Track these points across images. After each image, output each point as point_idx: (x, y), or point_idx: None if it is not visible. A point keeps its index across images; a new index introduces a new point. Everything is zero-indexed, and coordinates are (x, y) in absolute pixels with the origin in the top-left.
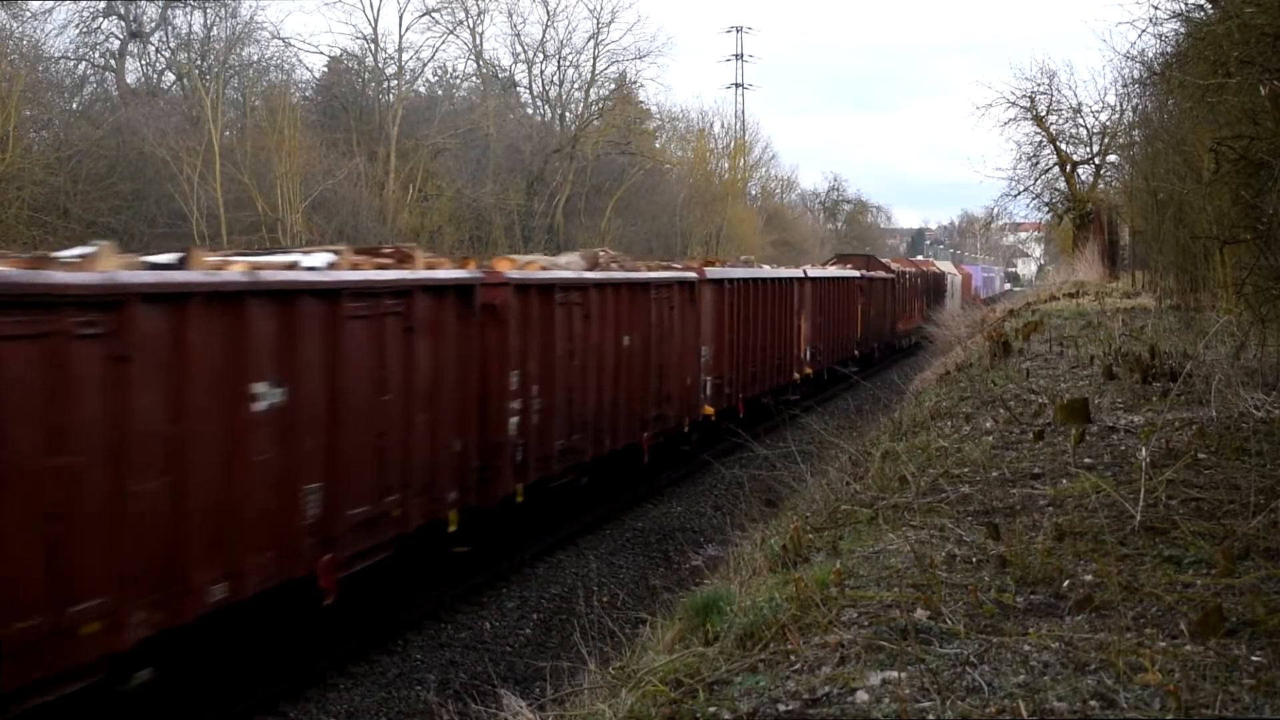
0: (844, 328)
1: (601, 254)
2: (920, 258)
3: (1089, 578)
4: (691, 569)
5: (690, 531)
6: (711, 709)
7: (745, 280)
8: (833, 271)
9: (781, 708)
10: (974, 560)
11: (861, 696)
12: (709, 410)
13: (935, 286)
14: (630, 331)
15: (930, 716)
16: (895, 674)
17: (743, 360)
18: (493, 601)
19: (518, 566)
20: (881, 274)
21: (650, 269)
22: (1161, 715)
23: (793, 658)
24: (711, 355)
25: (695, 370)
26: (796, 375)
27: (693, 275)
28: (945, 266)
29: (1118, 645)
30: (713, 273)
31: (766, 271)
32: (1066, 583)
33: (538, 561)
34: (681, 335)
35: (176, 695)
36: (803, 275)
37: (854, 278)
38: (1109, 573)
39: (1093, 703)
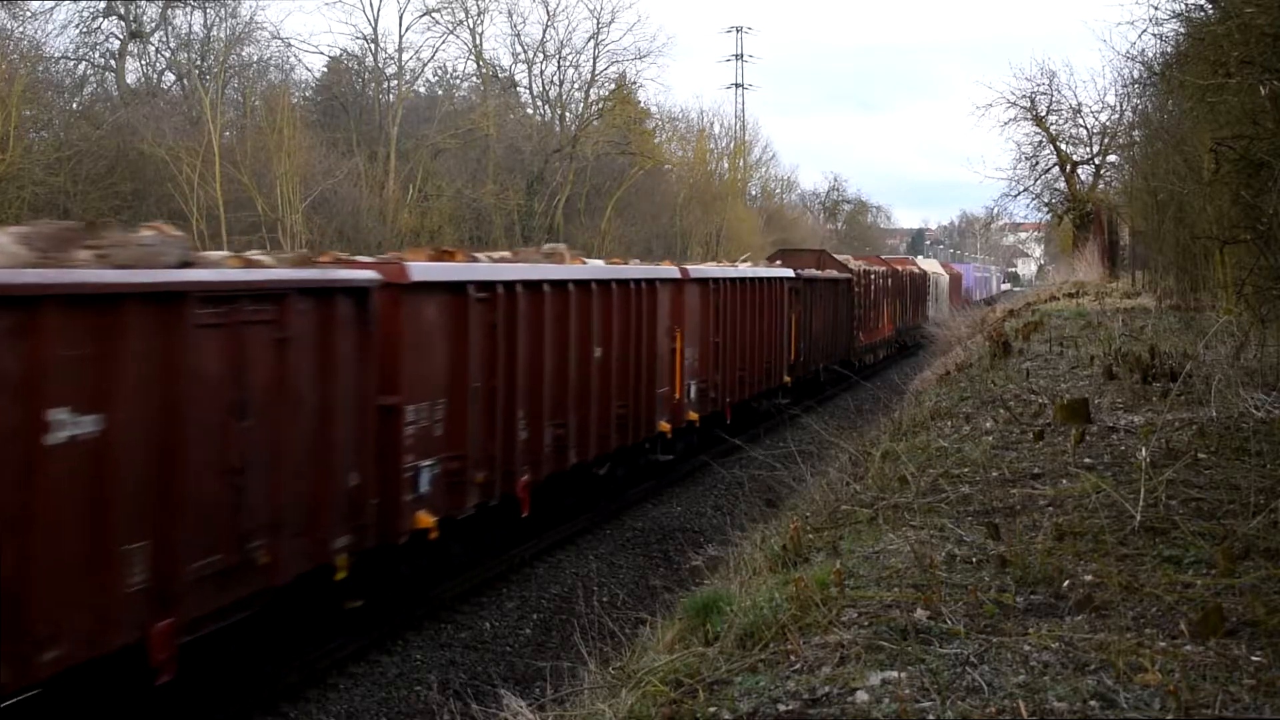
0: (765, 348)
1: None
2: (899, 255)
3: (1089, 578)
4: (691, 569)
5: (690, 531)
6: (711, 709)
7: (535, 284)
8: (744, 271)
9: (781, 708)
10: (974, 560)
11: (861, 696)
12: (424, 521)
13: (914, 289)
14: (114, 406)
15: (930, 716)
16: (895, 674)
17: (532, 419)
18: (493, 601)
19: (518, 566)
20: (832, 274)
21: (242, 262)
22: (1161, 715)
23: (793, 658)
24: (441, 420)
25: (389, 454)
26: (665, 426)
27: (367, 279)
28: (929, 265)
29: (1118, 645)
30: (439, 272)
31: (594, 270)
32: (1066, 583)
33: (538, 561)
34: (326, 393)
35: (178, 693)
36: (677, 276)
37: (783, 279)
38: (1109, 573)
39: (1093, 703)
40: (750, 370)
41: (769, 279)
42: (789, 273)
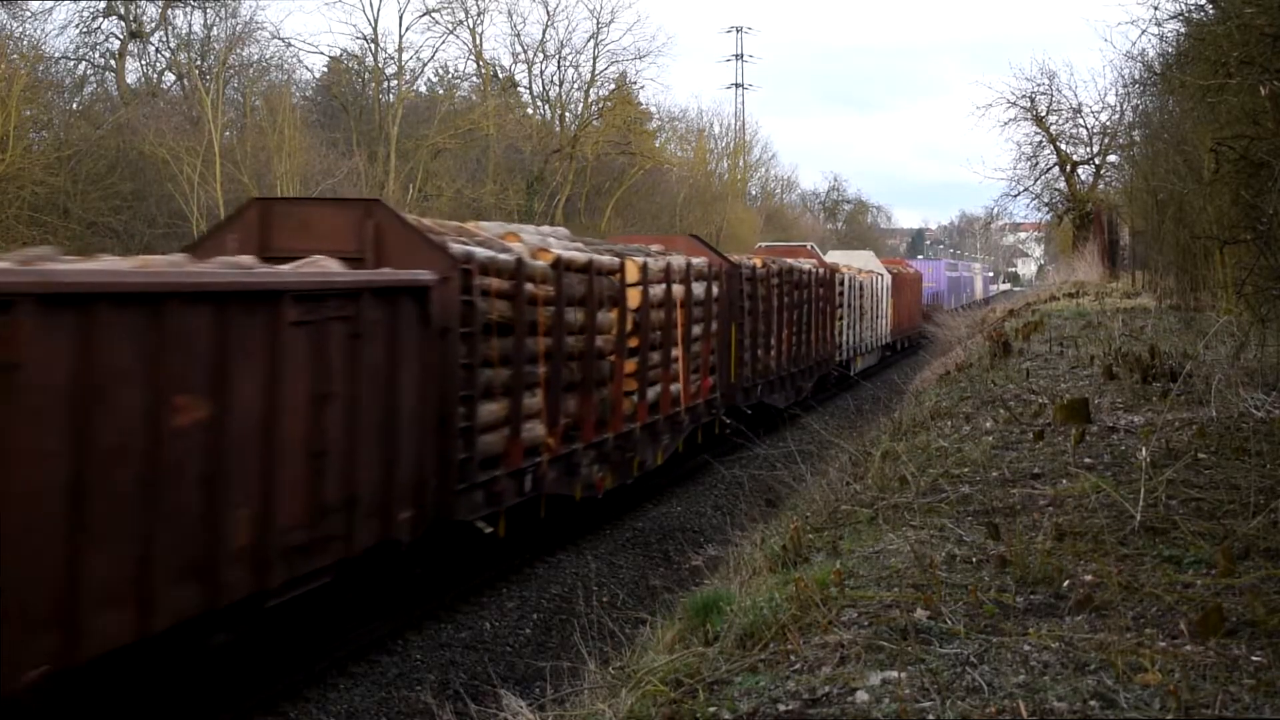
0: None
1: None
2: (797, 244)
3: (1089, 578)
4: (691, 569)
5: (690, 531)
6: (711, 709)
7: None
8: None
9: (781, 708)
10: (974, 560)
11: (861, 696)
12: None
13: (794, 302)
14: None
15: (930, 716)
16: (895, 674)
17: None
18: (493, 601)
19: (518, 566)
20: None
21: None
22: (1161, 715)
23: (793, 658)
24: None
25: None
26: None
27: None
28: (854, 259)
29: (1118, 645)
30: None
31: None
32: (1066, 583)
33: (538, 561)
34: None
35: (179, 692)
36: None
37: None
38: (1109, 573)
39: (1093, 703)
40: None
41: None
42: None
